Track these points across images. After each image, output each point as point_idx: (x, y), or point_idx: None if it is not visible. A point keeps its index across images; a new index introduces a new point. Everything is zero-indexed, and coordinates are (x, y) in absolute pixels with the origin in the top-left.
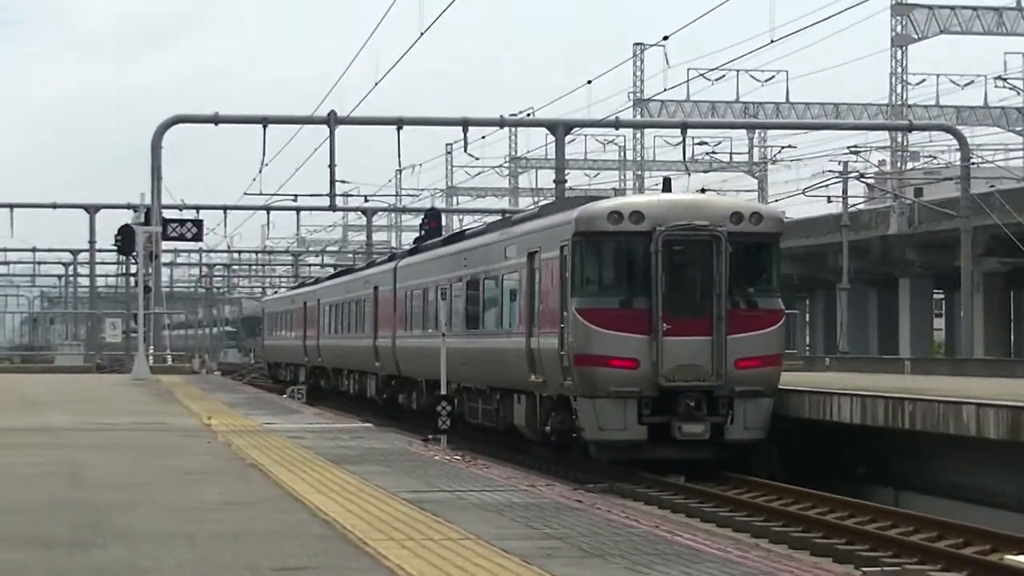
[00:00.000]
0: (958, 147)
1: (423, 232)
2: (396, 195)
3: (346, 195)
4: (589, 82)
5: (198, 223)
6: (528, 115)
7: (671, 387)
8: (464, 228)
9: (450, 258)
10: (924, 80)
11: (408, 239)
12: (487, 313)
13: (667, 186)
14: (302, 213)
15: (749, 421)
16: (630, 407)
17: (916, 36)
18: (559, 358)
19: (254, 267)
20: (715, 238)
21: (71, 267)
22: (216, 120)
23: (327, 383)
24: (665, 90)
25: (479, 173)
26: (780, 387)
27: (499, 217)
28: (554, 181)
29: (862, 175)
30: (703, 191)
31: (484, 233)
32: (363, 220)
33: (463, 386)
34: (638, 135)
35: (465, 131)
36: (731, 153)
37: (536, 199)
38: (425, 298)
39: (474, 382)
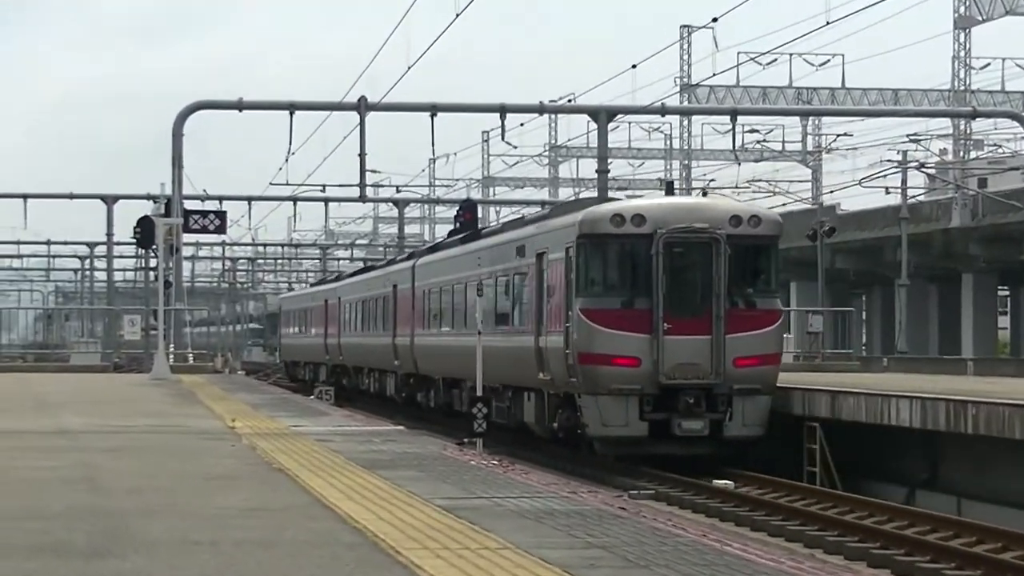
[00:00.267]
0: None
1: (458, 224)
2: (429, 185)
3: (377, 185)
4: (634, 66)
5: (221, 215)
6: (569, 101)
7: (671, 385)
8: (481, 227)
9: (465, 257)
10: (989, 64)
11: (442, 232)
12: (499, 312)
13: (669, 189)
14: (331, 204)
15: (748, 418)
16: (632, 404)
17: (980, 17)
18: (565, 356)
19: (280, 261)
20: (714, 240)
21: (87, 261)
22: (240, 106)
23: (349, 382)
24: (714, 75)
25: (517, 162)
26: (834, 389)
27: (539, 209)
28: (596, 171)
29: (922, 165)
30: (705, 194)
31: (498, 233)
32: (395, 212)
33: None
34: (685, 122)
35: (503, 118)
36: (783, 141)
37: (577, 190)
38: (442, 297)
39: (487, 380)
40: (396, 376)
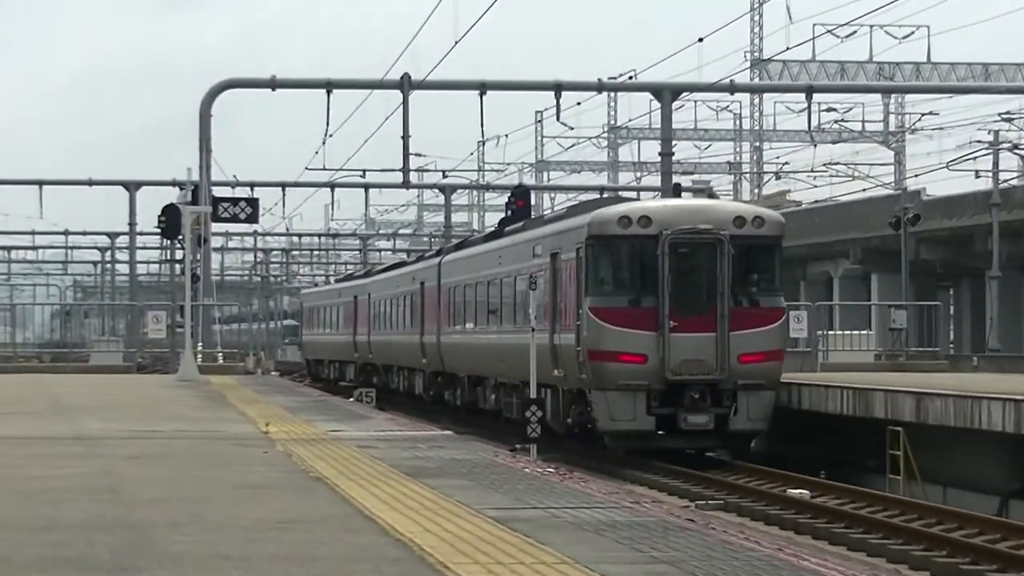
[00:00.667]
0: None
1: (509, 212)
2: (478, 170)
3: (421, 170)
4: (700, 40)
5: (253, 202)
6: (630, 78)
7: (677, 380)
8: (504, 226)
9: (487, 255)
10: None
11: (492, 220)
12: (518, 310)
13: (676, 191)
14: (371, 191)
15: (752, 412)
16: (639, 399)
17: None
18: (576, 354)
19: (316, 252)
20: (719, 241)
21: (108, 253)
22: (273, 84)
23: (378, 380)
24: (788, 49)
25: (573, 145)
26: (920, 390)
27: (597, 195)
28: (660, 154)
29: (1015, 146)
30: (711, 196)
31: (519, 232)
32: (441, 199)
33: (499, 381)
34: (756, 100)
35: (558, 96)
36: (863, 121)
37: (639, 174)
38: (466, 294)
39: (508, 378)
40: (424, 374)
